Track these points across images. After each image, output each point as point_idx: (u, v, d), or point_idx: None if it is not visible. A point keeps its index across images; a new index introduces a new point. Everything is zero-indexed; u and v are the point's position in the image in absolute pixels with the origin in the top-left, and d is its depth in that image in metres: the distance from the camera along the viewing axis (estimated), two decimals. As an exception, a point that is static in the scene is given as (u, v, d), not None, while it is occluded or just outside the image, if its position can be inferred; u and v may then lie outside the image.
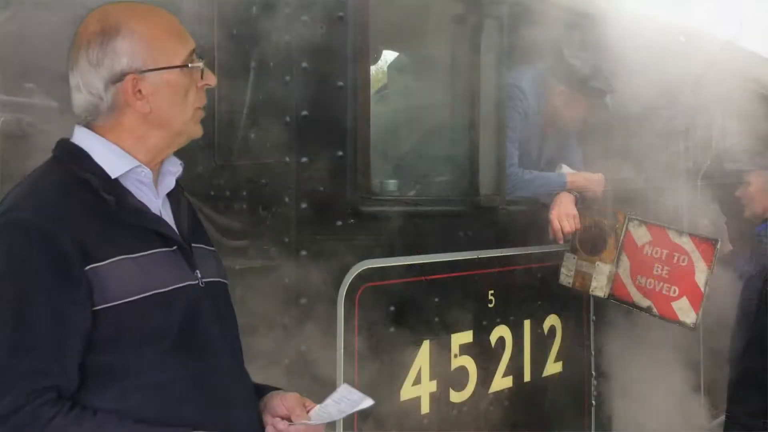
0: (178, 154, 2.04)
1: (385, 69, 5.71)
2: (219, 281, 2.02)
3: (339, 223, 3.08)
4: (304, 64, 2.97)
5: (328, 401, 1.95)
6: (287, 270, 2.93)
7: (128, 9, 1.89)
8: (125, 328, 1.76)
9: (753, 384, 4.02)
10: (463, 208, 3.68)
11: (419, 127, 4.19)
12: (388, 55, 5.12)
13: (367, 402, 1.93)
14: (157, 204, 1.93)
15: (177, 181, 2.02)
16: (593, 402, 4.44)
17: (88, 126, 1.88)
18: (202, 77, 1.94)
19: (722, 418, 4.73)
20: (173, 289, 1.82)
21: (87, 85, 1.84)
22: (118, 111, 1.85)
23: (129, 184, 1.88)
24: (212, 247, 2.11)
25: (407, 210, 3.38)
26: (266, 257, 2.95)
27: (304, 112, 2.97)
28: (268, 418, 2.00)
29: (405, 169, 4.05)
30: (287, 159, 2.95)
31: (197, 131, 1.97)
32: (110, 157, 1.85)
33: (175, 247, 1.88)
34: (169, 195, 2.00)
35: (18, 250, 1.68)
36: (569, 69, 4.12)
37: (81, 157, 1.85)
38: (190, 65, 1.90)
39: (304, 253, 2.94)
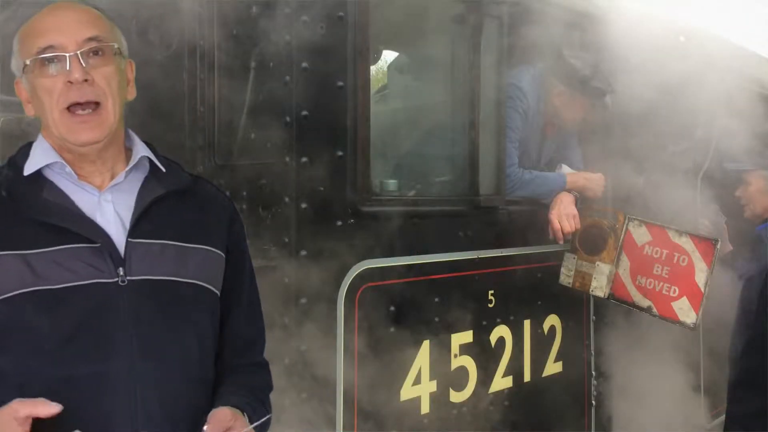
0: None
1: (385, 69, 5.71)
2: (166, 280, 1.86)
3: (339, 223, 3.08)
4: (304, 64, 2.96)
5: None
6: (287, 270, 2.93)
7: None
8: (2, 326, 1.71)
9: (753, 384, 4.01)
10: (463, 208, 3.68)
11: (419, 127, 4.19)
12: (388, 55, 5.13)
13: None
14: (93, 199, 1.85)
15: (174, 169, 1.99)
16: (593, 402, 4.44)
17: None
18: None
19: (722, 418, 4.72)
20: (69, 286, 1.74)
21: None
22: (26, 113, 1.89)
23: (60, 180, 1.85)
24: (196, 244, 1.94)
25: (407, 210, 3.38)
26: (266, 257, 2.95)
27: (304, 112, 2.97)
28: None
29: (405, 169, 4.05)
30: (287, 159, 2.95)
31: (73, 137, 1.82)
32: (36, 155, 1.86)
33: (98, 244, 1.79)
34: (143, 187, 1.92)
35: None
36: (569, 69, 4.12)
37: (18, 155, 1.88)
38: (27, 62, 1.79)
39: (304, 253, 2.94)
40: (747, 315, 4.39)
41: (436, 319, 3.47)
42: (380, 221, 3.23)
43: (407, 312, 3.32)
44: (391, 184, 3.47)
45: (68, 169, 1.85)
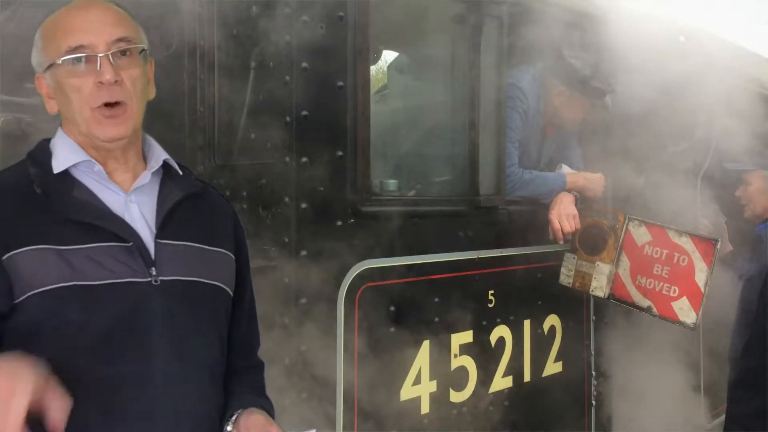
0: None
1: (385, 69, 5.71)
2: (192, 281, 1.90)
3: (339, 223, 3.08)
4: (304, 64, 2.97)
5: None
6: (287, 270, 2.93)
7: (60, 9, 1.89)
8: (39, 320, 1.72)
9: (753, 384, 4.01)
10: (463, 208, 3.68)
11: (419, 127, 4.19)
12: (388, 55, 5.13)
13: None
14: (120, 199, 1.88)
15: (185, 175, 2.02)
16: (593, 402, 4.44)
17: (61, 124, 1.94)
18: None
19: (722, 418, 4.72)
20: (107, 283, 1.76)
21: None
22: (48, 109, 1.90)
23: (86, 179, 1.87)
24: (218, 247, 2.00)
25: (407, 210, 3.38)
26: (266, 257, 2.95)
27: (304, 112, 2.97)
28: None
29: (405, 169, 4.05)
30: (287, 159, 2.95)
31: (101, 133, 1.84)
32: (63, 152, 1.88)
33: (130, 243, 1.81)
34: (162, 189, 1.95)
35: None
36: (569, 69, 4.12)
37: (39, 153, 1.90)
38: (58, 61, 1.80)
39: (304, 253, 2.94)
40: (747, 315, 4.39)
41: (436, 319, 3.47)
42: (380, 221, 3.23)
43: (407, 312, 3.32)
44: (391, 184, 3.48)
45: (97, 167, 1.88)
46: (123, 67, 1.84)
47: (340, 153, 3.09)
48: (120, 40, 1.84)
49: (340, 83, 3.08)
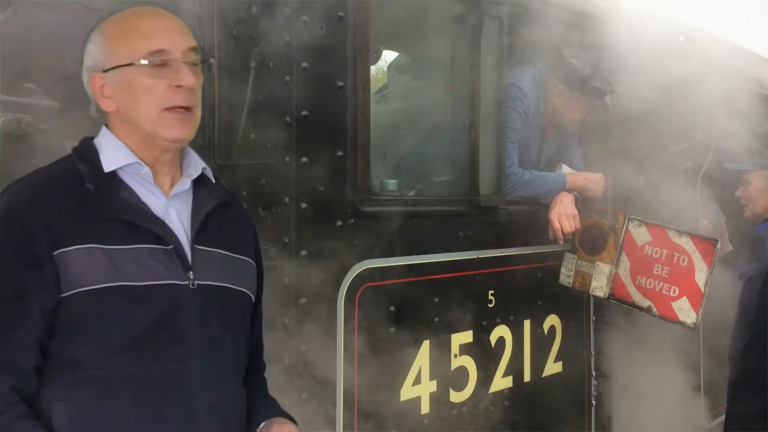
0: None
1: (385, 69, 5.71)
2: (223, 287, 1.98)
3: (339, 223, 3.08)
4: (304, 64, 2.97)
5: None
6: (287, 270, 2.93)
7: (121, 12, 1.96)
8: (83, 316, 1.78)
9: (753, 384, 4.01)
10: (463, 208, 3.68)
11: (419, 127, 4.19)
12: (388, 55, 5.13)
13: None
14: (161, 202, 1.94)
15: (217, 183, 2.09)
16: (593, 402, 4.44)
17: (108, 124, 1.98)
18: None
19: (722, 418, 4.72)
20: (149, 284, 1.82)
21: (83, 82, 1.96)
22: (101, 108, 1.95)
23: (131, 180, 1.93)
24: (243, 255, 2.08)
25: (407, 210, 3.38)
26: (266, 257, 2.94)
27: (304, 112, 2.97)
28: None
29: (405, 169, 4.05)
30: (287, 159, 2.95)
31: (170, 133, 1.91)
32: (112, 152, 1.92)
33: (170, 247, 1.88)
34: (196, 196, 2.02)
35: None
36: (569, 69, 4.12)
37: (86, 150, 1.94)
38: (138, 62, 1.87)
39: (304, 253, 2.94)
40: (747, 315, 4.39)
41: (436, 319, 3.47)
42: (380, 221, 3.23)
43: (407, 312, 3.32)
44: (391, 184, 3.48)
45: (145, 170, 1.93)
46: (194, 74, 1.92)
47: (340, 153, 3.09)
48: (192, 49, 1.94)
49: (340, 83, 3.08)
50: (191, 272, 1.90)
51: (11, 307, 1.75)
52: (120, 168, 1.92)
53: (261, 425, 2.03)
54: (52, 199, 1.82)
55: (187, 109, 1.91)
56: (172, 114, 1.89)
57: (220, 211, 2.05)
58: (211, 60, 1.96)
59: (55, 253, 1.76)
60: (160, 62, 1.87)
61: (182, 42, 1.92)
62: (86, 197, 1.84)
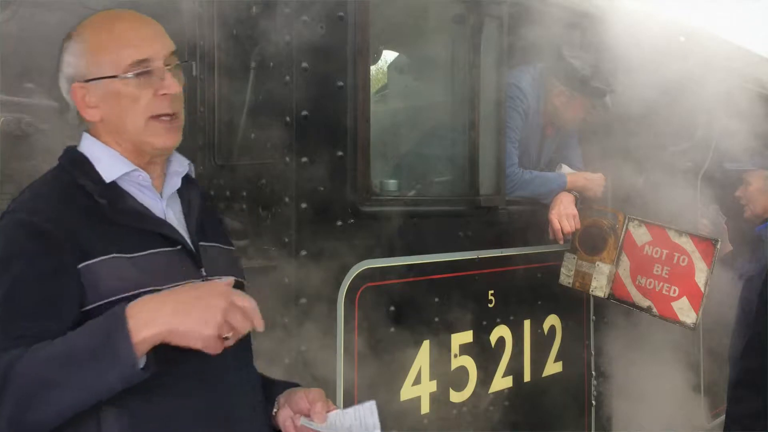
0: (180, 153, 2.05)
1: (385, 69, 5.72)
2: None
3: (339, 223, 3.08)
4: (304, 64, 2.96)
5: (350, 411, 1.93)
6: (287, 270, 2.93)
7: (95, 17, 1.94)
8: None
9: (753, 384, 4.01)
10: (463, 208, 3.68)
11: (419, 127, 4.19)
12: (388, 55, 5.13)
13: None
14: (161, 205, 1.96)
15: (192, 178, 2.09)
16: (593, 402, 4.44)
17: (90, 131, 1.97)
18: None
19: (722, 418, 4.73)
20: (173, 286, 1.82)
21: (61, 89, 1.96)
22: (84, 117, 1.94)
23: (129, 186, 1.93)
24: (229, 245, 2.14)
25: (407, 210, 3.38)
26: (266, 257, 2.95)
27: (304, 112, 2.97)
28: (286, 413, 2.01)
29: (405, 169, 4.05)
30: (287, 159, 2.95)
31: (159, 142, 1.91)
32: (107, 162, 1.92)
33: (179, 247, 1.91)
34: (180, 194, 2.04)
35: (15, 243, 1.76)
36: (569, 69, 4.12)
37: (80, 163, 1.93)
38: (124, 75, 1.86)
39: (304, 253, 2.94)
40: (747, 315, 4.39)
41: (436, 319, 3.47)
42: (380, 221, 3.23)
43: (407, 312, 3.32)
44: (391, 184, 3.48)
45: (144, 176, 1.94)
46: (178, 79, 1.93)
47: (340, 153, 3.09)
48: (173, 53, 1.93)
49: (340, 83, 3.08)
50: (203, 269, 1.93)
51: (44, 318, 1.71)
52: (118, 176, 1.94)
53: (278, 397, 2.06)
54: (67, 216, 1.81)
55: (173, 115, 1.92)
56: (159, 123, 1.90)
57: (202, 205, 2.09)
58: (190, 62, 1.95)
59: (80, 266, 1.76)
60: (145, 71, 1.87)
61: (163, 48, 1.91)
62: (97, 210, 1.84)
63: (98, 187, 1.87)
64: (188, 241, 1.95)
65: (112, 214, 1.85)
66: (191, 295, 1.68)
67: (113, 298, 1.76)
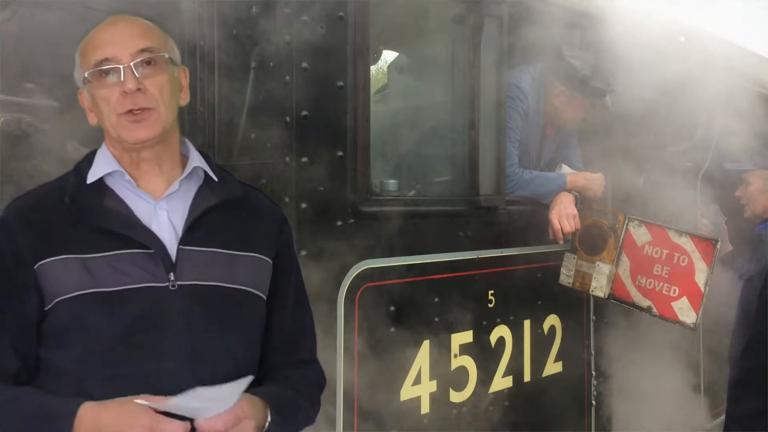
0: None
1: (385, 69, 5.71)
2: (213, 285, 1.96)
3: (339, 223, 3.08)
4: (304, 64, 2.97)
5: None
6: (287, 270, 2.92)
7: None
8: (64, 325, 1.85)
9: (753, 384, 4.01)
10: (463, 208, 3.68)
11: (419, 127, 4.19)
12: (388, 55, 5.13)
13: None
14: (148, 206, 1.97)
15: (227, 179, 2.11)
16: (593, 402, 4.44)
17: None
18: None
19: (722, 418, 4.73)
20: (125, 289, 1.85)
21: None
22: (89, 121, 2.02)
23: (119, 187, 1.98)
24: (246, 252, 2.04)
25: (407, 210, 3.38)
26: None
27: (304, 112, 2.97)
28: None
29: (405, 169, 4.05)
30: (287, 159, 2.95)
31: (129, 136, 1.94)
32: (98, 163, 2.00)
33: (152, 250, 1.90)
34: (197, 195, 2.03)
35: None
36: (569, 69, 4.12)
37: (80, 164, 2.02)
38: (89, 78, 1.93)
39: (304, 253, 2.94)
40: (747, 315, 4.39)
41: (436, 319, 3.47)
42: (380, 221, 3.23)
43: (407, 312, 3.32)
44: (391, 184, 3.48)
45: (127, 177, 1.98)
46: (147, 75, 1.93)
47: (340, 153, 3.09)
48: (144, 50, 1.94)
49: (340, 83, 3.08)
50: (172, 273, 1.90)
51: None
52: (110, 177, 1.98)
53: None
54: (37, 214, 1.90)
55: (146, 110, 1.93)
56: (128, 117, 1.93)
57: (226, 208, 2.04)
58: (165, 54, 1.95)
59: (36, 266, 1.84)
60: (109, 71, 1.92)
61: (131, 46, 1.93)
62: (72, 211, 1.91)
63: (74, 187, 1.94)
64: (169, 243, 1.93)
65: (78, 214, 1.90)
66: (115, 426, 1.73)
67: (58, 299, 1.83)
